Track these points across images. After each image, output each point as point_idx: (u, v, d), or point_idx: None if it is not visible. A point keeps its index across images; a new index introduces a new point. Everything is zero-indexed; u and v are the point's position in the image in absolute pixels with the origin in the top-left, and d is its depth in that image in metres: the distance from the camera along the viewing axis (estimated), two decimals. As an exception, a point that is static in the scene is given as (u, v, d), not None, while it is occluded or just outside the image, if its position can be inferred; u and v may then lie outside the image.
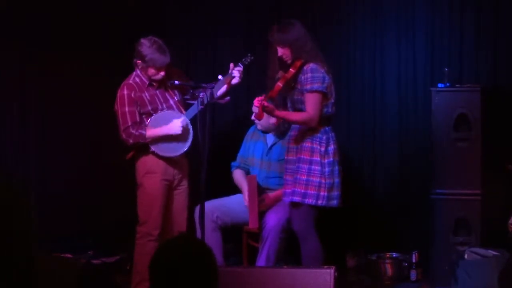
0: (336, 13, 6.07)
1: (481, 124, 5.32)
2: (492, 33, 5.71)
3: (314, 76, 4.61)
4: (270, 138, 5.46)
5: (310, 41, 4.72)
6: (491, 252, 4.95)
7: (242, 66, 5.03)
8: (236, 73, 4.98)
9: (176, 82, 4.90)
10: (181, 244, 2.33)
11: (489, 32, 5.71)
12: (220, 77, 5.03)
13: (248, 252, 5.40)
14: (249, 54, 5.08)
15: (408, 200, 5.82)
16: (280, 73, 4.71)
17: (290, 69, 4.66)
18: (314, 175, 4.61)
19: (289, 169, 4.75)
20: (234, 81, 5.00)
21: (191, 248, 2.30)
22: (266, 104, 4.56)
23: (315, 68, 4.63)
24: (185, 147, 4.95)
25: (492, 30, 5.71)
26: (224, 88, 4.98)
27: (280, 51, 4.69)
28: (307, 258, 4.71)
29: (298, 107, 4.68)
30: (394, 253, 5.68)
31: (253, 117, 4.90)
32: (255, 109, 5.10)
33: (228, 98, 5.10)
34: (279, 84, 4.64)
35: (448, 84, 5.42)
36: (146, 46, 4.85)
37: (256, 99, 4.63)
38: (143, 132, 4.85)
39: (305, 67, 4.65)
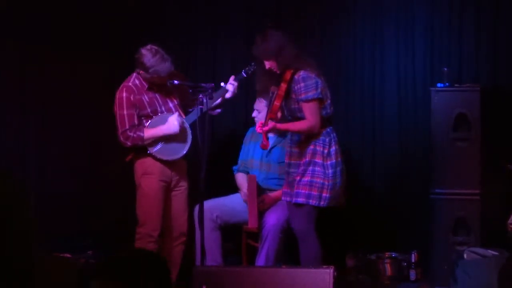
0: (336, 13, 6.06)
1: (481, 124, 5.32)
2: (492, 33, 5.71)
3: (307, 84, 4.61)
4: (270, 140, 5.45)
5: (293, 47, 4.69)
6: (490, 252, 4.95)
7: (244, 76, 5.05)
8: (230, 87, 5.00)
9: (175, 82, 4.91)
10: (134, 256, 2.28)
11: (489, 32, 5.71)
12: (222, 84, 5.05)
13: (247, 251, 5.41)
14: (252, 63, 5.08)
15: (408, 200, 5.82)
16: (273, 89, 4.70)
17: (281, 84, 4.65)
18: (318, 177, 4.63)
19: (292, 172, 4.76)
20: (228, 95, 5.04)
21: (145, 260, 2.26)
22: (266, 128, 4.61)
23: (306, 76, 4.62)
24: (184, 150, 4.96)
25: (492, 30, 5.71)
26: (219, 100, 5.00)
27: (267, 64, 4.68)
28: (306, 258, 4.71)
29: (297, 116, 4.68)
30: (393, 253, 5.67)
31: (260, 147, 4.95)
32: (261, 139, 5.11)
33: (219, 110, 5.11)
34: (276, 103, 4.65)
35: (447, 84, 5.43)
36: (148, 57, 4.81)
37: (257, 126, 4.67)
38: (141, 134, 4.86)
39: (295, 77, 4.63)
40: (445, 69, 5.49)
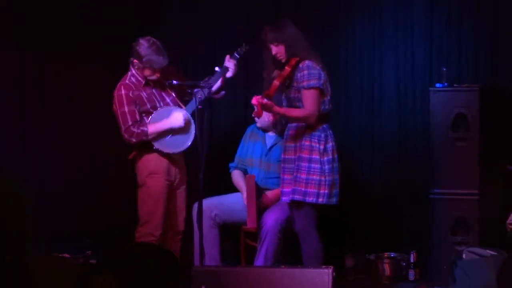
0: (335, 13, 6.07)
1: (480, 123, 5.33)
2: (491, 33, 5.71)
3: (311, 72, 4.63)
4: (270, 139, 5.46)
5: (303, 39, 4.74)
6: (489, 252, 4.94)
7: (237, 57, 5.05)
8: (230, 65, 5.00)
9: (174, 82, 4.90)
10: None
11: (487, 32, 5.71)
12: (217, 68, 5.05)
13: (246, 251, 5.41)
14: (244, 44, 5.09)
15: (407, 200, 5.82)
16: (276, 72, 4.73)
17: (286, 67, 4.68)
18: (314, 173, 4.62)
19: (287, 168, 4.75)
20: (228, 74, 5.03)
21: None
22: (264, 101, 4.57)
23: (311, 65, 4.65)
24: (188, 142, 4.95)
25: (491, 30, 5.71)
26: (219, 82, 5.01)
27: (274, 49, 4.70)
28: (307, 257, 4.72)
29: (296, 105, 4.68)
30: (392, 253, 5.69)
31: (253, 115, 4.92)
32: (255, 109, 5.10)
33: (223, 92, 5.12)
34: (276, 82, 4.65)
35: (446, 84, 5.44)
36: (144, 46, 4.85)
37: (254, 97, 4.64)
38: (145, 129, 4.86)
39: (300, 65, 4.66)
40: (444, 69, 5.49)
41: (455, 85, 5.47)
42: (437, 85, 5.45)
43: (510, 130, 5.54)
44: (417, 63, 5.85)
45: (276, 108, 4.66)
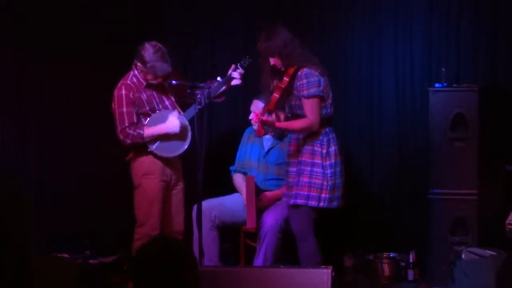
0: (335, 13, 6.07)
1: (479, 124, 5.33)
2: (491, 33, 5.71)
3: (309, 81, 4.62)
4: (267, 142, 5.46)
5: (298, 45, 4.70)
6: (488, 252, 4.96)
7: (241, 69, 5.07)
8: (236, 75, 5.02)
9: (174, 82, 4.92)
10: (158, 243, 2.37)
11: (487, 32, 5.71)
12: (219, 78, 5.07)
13: (245, 251, 5.42)
14: (247, 57, 5.11)
15: (406, 200, 5.83)
16: (275, 83, 4.71)
17: (284, 78, 4.66)
18: (316, 177, 4.64)
19: (290, 171, 4.77)
20: (235, 82, 5.05)
21: (167, 245, 2.35)
22: (264, 119, 4.57)
23: (309, 72, 4.64)
24: (184, 146, 4.97)
25: (490, 30, 5.71)
26: (223, 88, 5.02)
27: (272, 60, 4.69)
28: (304, 258, 4.73)
29: (297, 113, 4.69)
30: (391, 253, 5.68)
31: (254, 134, 4.91)
32: (254, 126, 5.12)
33: (223, 98, 5.13)
34: (275, 95, 4.64)
35: (445, 84, 5.44)
36: (150, 52, 4.84)
37: (254, 114, 4.65)
38: (141, 132, 4.87)
39: (299, 73, 4.65)
40: (443, 69, 5.50)
41: (454, 85, 5.47)
42: (436, 85, 5.45)
43: (509, 130, 5.54)
44: (416, 63, 5.85)
45: (278, 124, 4.66)
